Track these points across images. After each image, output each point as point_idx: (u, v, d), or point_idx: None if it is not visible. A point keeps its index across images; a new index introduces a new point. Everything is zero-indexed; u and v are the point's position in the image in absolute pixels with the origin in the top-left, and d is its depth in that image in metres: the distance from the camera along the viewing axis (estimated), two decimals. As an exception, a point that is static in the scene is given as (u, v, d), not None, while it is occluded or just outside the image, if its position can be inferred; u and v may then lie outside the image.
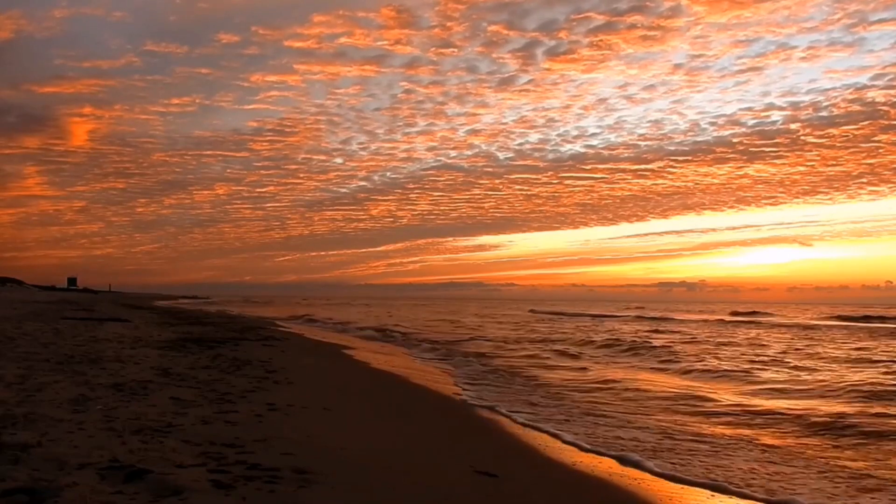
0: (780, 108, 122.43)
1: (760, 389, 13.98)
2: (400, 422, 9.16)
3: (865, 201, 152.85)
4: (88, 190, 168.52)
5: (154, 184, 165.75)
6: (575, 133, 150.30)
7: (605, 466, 7.34)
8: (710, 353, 22.12)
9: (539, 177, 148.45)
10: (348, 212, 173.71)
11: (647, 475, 7.05)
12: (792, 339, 30.38)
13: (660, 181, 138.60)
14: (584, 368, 17.60)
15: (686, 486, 6.74)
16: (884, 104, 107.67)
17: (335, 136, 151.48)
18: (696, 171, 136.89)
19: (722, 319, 53.13)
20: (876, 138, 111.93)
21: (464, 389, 12.95)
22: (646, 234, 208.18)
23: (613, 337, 29.14)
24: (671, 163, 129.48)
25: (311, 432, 7.15)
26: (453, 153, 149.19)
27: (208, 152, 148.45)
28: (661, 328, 38.55)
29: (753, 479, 7.10)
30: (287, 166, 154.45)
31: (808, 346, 26.17)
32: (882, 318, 50.98)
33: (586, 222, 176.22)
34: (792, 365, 18.55)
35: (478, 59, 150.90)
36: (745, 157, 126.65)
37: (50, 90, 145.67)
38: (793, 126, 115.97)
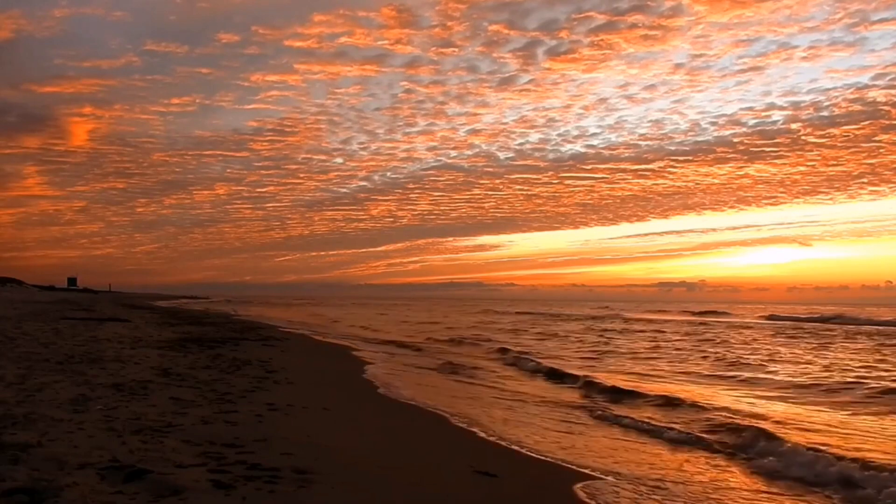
0: (781, 108, 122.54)
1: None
2: (399, 420, 9.17)
3: (866, 201, 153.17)
4: (88, 190, 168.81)
5: (154, 184, 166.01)
6: (575, 133, 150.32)
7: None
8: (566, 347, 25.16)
9: (539, 177, 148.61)
10: (348, 212, 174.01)
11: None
12: (679, 337, 31.65)
13: (660, 181, 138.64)
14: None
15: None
16: (885, 104, 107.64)
17: (335, 136, 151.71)
18: (696, 170, 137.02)
19: (643, 318, 54.80)
20: (877, 138, 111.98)
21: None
22: (646, 234, 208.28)
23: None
24: (672, 163, 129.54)
25: (311, 432, 7.16)
26: (454, 153, 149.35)
27: (208, 152, 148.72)
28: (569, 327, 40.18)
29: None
30: (287, 166, 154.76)
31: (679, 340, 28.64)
32: (824, 319, 51.82)
33: (587, 222, 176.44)
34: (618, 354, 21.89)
35: (478, 59, 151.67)
36: (745, 157, 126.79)
37: (50, 90, 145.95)
38: (794, 126, 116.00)
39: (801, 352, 23.49)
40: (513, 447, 7.92)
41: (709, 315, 63.71)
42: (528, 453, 7.67)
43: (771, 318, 57.48)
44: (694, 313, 67.77)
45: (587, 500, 5.90)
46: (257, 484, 4.90)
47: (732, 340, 29.09)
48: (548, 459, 7.43)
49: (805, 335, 33.07)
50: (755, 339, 29.84)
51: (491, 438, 8.32)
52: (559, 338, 30.36)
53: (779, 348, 24.87)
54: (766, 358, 20.86)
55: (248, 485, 4.86)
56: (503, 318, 53.28)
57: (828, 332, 34.95)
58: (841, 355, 22.06)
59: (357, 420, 8.89)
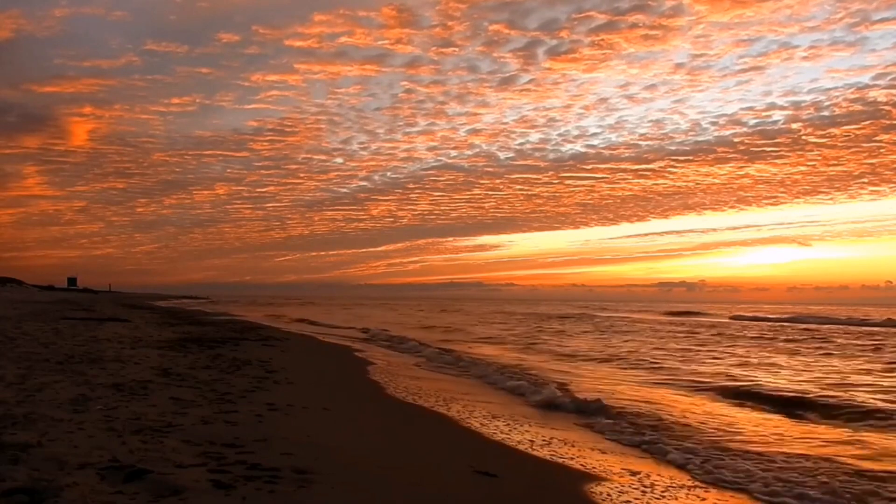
0: (782, 108, 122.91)
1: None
2: (399, 420, 9.17)
3: (866, 201, 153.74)
4: (88, 190, 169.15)
5: (154, 184, 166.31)
6: (576, 133, 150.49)
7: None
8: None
9: (540, 177, 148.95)
10: (348, 212, 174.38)
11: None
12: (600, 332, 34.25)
13: (661, 181, 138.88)
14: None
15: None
16: (885, 104, 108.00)
17: (335, 136, 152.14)
18: (696, 170, 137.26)
19: (615, 317, 57.51)
20: (877, 138, 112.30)
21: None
22: (646, 234, 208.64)
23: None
24: (672, 162, 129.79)
25: (311, 432, 7.15)
26: (454, 153, 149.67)
27: (208, 152, 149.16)
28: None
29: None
30: (287, 166, 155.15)
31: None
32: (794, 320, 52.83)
33: (587, 222, 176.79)
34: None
35: (479, 59, 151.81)
36: (746, 157, 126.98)
37: (50, 90, 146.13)
38: (794, 126, 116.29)
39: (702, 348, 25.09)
40: (513, 447, 7.92)
41: (685, 315, 65.49)
42: (528, 452, 7.68)
43: (735, 318, 58.57)
44: (665, 313, 70.58)
45: (591, 500, 5.89)
46: (257, 484, 4.90)
47: (661, 337, 31.24)
48: (548, 459, 7.43)
49: (747, 334, 34.02)
50: (687, 338, 31.32)
51: (494, 438, 8.32)
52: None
53: (698, 347, 25.92)
54: (666, 354, 22.29)
55: (248, 485, 4.85)
56: (460, 315, 56.57)
57: (774, 333, 35.64)
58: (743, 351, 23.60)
59: (357, 420, 8.89)
